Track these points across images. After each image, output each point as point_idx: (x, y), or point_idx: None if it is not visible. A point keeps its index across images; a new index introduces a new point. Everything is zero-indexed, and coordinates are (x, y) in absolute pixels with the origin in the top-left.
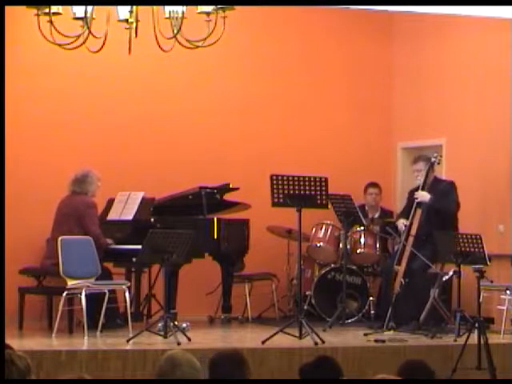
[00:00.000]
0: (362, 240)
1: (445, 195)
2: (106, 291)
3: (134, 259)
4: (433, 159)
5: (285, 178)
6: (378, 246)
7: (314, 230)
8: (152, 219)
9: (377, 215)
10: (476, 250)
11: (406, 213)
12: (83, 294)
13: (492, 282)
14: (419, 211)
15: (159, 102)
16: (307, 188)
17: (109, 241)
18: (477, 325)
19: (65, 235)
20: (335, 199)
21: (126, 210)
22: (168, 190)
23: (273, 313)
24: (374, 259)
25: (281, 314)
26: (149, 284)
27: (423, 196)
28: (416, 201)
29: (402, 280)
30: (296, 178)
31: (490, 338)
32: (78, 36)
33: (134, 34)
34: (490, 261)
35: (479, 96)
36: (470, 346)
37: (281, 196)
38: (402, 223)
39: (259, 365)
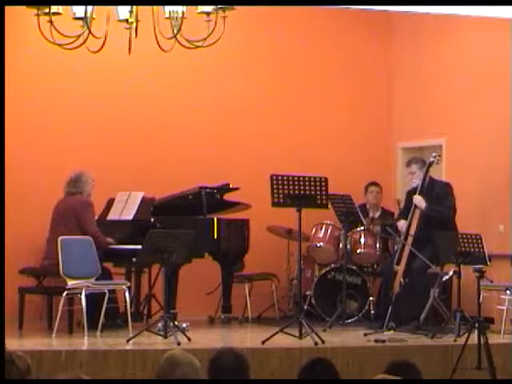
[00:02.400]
0: (362, 240)
1: (440, 201)
2: (106, 291)
3: (134, 259)
4: (432, 159)
5: (285, 177)
6: (378, 246)
7: (313, 230)
8: (152, 219)
9: (377, 215)
10: (476, 250)
11: (404, 214)
12: (83, 293)
13: (492, 281)
14: (418, 211)
15: (159, 102)
16: (307, 188)
17: (110, 240)
18: (477, 325)
19: (63, 236)
20: (335, 199)
21: (126, 210)
22: (168, 190)
23: (273, 313)
24: (374, 259)
25: (281, 313)
26: (149, 284)
27: (420, 202)
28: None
29: (402, 280)
30: (296, 178)
31: (490, 338)
32: (78, 36)
33: (134, 34)
34: (490, 261)
35: (479, 96)
36: (470, 346)
37: (281, 196)
38: (402, 223)
39: (259, 365)
